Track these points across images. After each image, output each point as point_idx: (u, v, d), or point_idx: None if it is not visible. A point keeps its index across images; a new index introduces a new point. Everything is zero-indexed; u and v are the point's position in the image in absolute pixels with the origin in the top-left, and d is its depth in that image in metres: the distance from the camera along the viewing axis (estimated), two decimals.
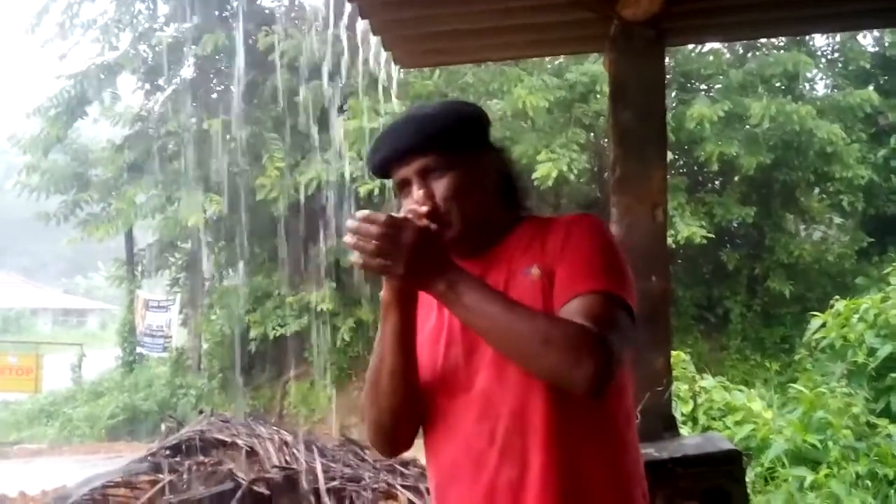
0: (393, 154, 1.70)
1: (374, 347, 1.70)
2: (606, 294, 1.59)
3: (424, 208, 1.60)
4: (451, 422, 1.69)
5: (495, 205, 1.75)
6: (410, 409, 1.71)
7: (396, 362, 1.66)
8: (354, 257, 1.51)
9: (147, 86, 17.63)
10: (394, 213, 1.53)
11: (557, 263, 1.65)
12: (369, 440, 1.82)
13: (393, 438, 1.77)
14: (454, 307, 1.56)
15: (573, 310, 1.56)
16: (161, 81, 17.55)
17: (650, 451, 2.46)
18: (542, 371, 1.55)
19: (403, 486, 7.64)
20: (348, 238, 1.50)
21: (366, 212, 1.52)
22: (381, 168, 1.74)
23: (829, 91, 14.14)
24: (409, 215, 1.57)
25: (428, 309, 1.73)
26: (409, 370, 1.68)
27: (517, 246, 1.73)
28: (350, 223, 1.50)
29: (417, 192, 1.68)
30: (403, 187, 1.72)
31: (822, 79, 14.45)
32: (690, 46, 13.12)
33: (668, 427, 2.60)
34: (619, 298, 1.61)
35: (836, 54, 14.14)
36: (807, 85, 13.96)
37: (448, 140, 1.70)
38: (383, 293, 1.63)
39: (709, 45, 14.01)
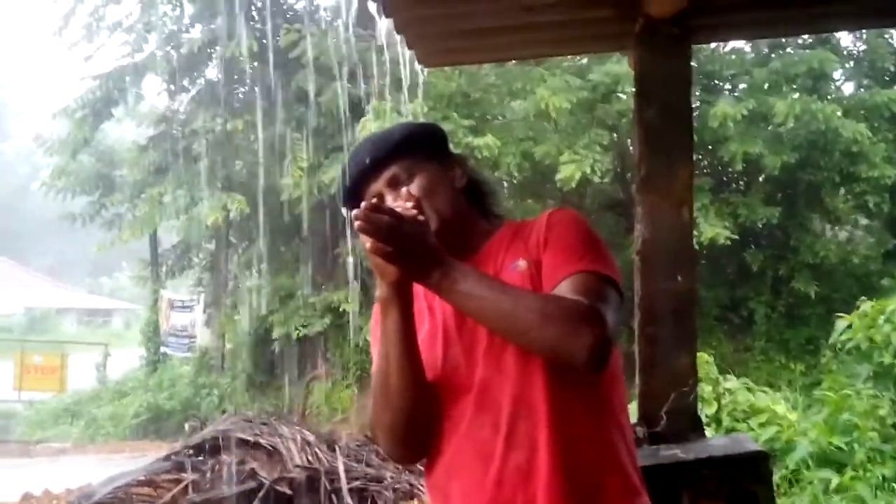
0: (361, 171, 1.77)
1: (378, 352, 1.70)
2: (593, 272, 1.65)
3: (410, 204, 1.64)
4: (453, 422, 1.70)
5: (466, 205, 1.83)
6: (423, 407, 1.70)
7: (403, 358, 1.66)
8: (367, 243, 1.54)
9: (172, 87, 17.73)
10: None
11: (542, 253, 1.71)
12: (386, 451, 1.83)
13: (411, 442, 1.76)
14: (450, 295, 1.59)
15: (563, 290, 1.62)
16: (185, 83, 17.65)
17: (676, 451, 2.43)
18: (543, 346, 1.58)
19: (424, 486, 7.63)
20: (357, 223, 1.52)
21: (373, 201, 1.56)
22: (354, 194, 1.80)
23: (854, 90, 14.01)
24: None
25: (420, 316, 1.73)
26: (416, 365, 1.68)
27: (500, 246, 1.78)
28: (356, 212, 1.52)
29: (390, 199, 1.74)
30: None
31: (847, 78, 14.32)
32: (714, 45, 13.05)
33: (693, 428, 2.58)
34: (605, 276, 1.66)
35: (862, 53, 13.99)
36: (832, 84, 13.82)
37: (410, 147, 1.79)
38: (379, 292, 1.65)
39: (732, 45, 13.94)
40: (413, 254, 1.54)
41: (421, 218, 1.58)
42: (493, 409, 1.65)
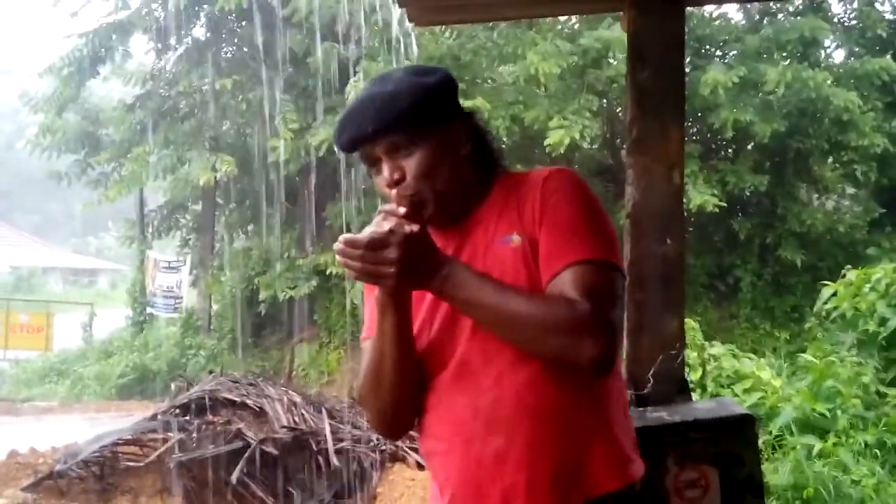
0: (358, 135, 1.67)
1: (372, 343, 1.68)
2: (597, 262, 1.60)
3: (402, 209, 1.54)
4: (437, 395, 1.69)
5: (468, 174, 1.73)
6: (414, 396, 1.70)
7: (399, 356, 1.64)
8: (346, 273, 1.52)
9: (159, 45, 17.55)
10: (375, 230, 1.51)
11: (538, 228, 1.64)
12: (373, 427, 1.83)
13: (399, 425, 1.78)
14: (450, 302, 1.59)
15: (566, 282, 1.57)
16: (173, 41, 17.48)
17: (662, 414, 2.44)
18: (547, 354, 1.57)
19: (411, 449, 7.69)
20: (338, 257, 1.50)
21: (348, 235, 1.51)
22: (349, 147, 1.71)
23: (846, 58, 13.97)
24: (390, 221, 1.52)
25: None
26: (411, 361, 1.67)
27: (491, 211, 1.71)
28: (336, 246, 1.50)
29: (387, 172, 1.66)
30: (373, 163, 1.70)
31: (839, 46, 14.26)
32: (707, 10, 12.98)
33: (680, 391, 2.59)
34: (610, 263, 1.61)
35: (854, 21, 13.95)
36: (823, 52, 13.78)
37: (414, 117, 1.66)
38: (377, 294, 1.62)
39: (725, 10, 13.88)
40: (402, 273, 1.50)
41: (408, 229, 1.51)
42: (473, 391, 1.63)
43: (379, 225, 1.52)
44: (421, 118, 1.66)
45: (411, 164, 1.65)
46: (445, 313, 1.67)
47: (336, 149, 1.81)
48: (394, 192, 1.64)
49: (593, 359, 1.53)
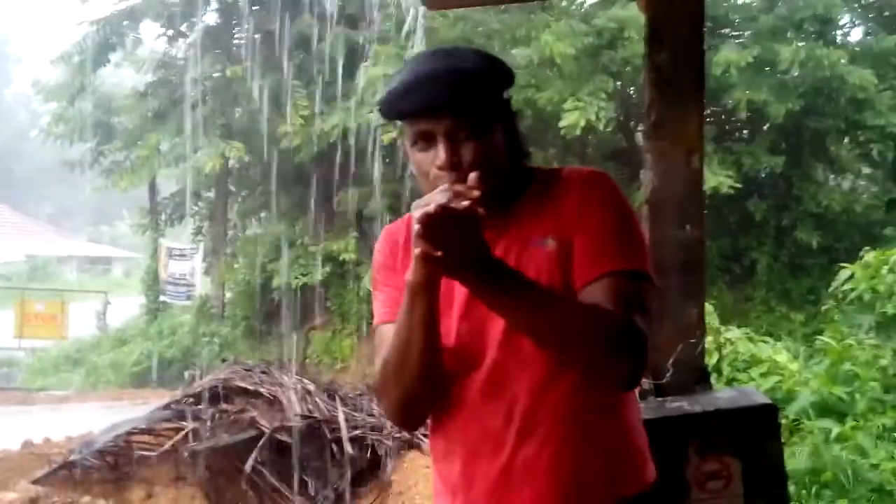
0: (429, 104, 1.57)
1: (397, 331, 1.60)
2: (633, 273, 1.59)
3: (476, 192, 1.43)
4: (459, 398, 1.65)
5: (511, 171, 1.67)
6: (436, 388, 1.66)
7: (426, 346, 1.58)
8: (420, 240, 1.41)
9: (170, 32, 17.54)
10: (444, 203, 1.40)
11: (575, 233, 1.61)
12: (389, 416, 1.78)
13: (417, 416, 1.74)
14: (491, 297, 1.50)
15: (601, 291, 1.55)
16: (184, 28, 17.46)
17: (682, 404, 2.40)
18: (580, 364, 1.57)
19: (425, 436, 7.65)
20: (420, 228, 1.39)
21: (441, 204, 1.39)
22: (408, 114, 1.62)
23: (862, 37, 13.83)
24: (458, 201, 1.41)
25: None
26: (437, 352, 1.62)
27: (528, 211, 1.67)
28: (421, 216, 1.38)
29: (444, 152, 1.57)
30: (424, 139, 1.61)
31: (855, 24, 14.12)
32: None
33: (700, 380, 2.54)
34: (643, 274, 1.61)
35: None
36: (839, 30, 13.65)
37: (490, 102, 1.61)
38: (412, 277, 1.52)
39: None
40: (462, 256, 1.42)
41: (481, 212, 1.41)
42: (507, 398, 1.61)
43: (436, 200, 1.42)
44: (495, 105, 1.63)
45: (469, 152, 1.58)
46: (475, 315, 1.63)
47: (379, 111, 1.70)
48: (441, 173, 1.57)
49: (629, 371, 1.55)
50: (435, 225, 1.37)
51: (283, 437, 7.71)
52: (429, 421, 1.75)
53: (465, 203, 1.40)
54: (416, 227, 1.39)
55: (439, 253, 1.39)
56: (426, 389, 1.64)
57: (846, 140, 13.16)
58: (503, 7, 12.24)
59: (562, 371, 1.58)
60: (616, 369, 1.54)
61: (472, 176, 1.46)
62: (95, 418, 10.11)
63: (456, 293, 1.63)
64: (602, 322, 1.51)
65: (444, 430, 1.70)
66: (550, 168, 1.76)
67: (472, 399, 1.63)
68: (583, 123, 11.43)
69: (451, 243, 1.39)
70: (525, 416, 1.59)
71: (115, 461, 7.76)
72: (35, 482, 7.50)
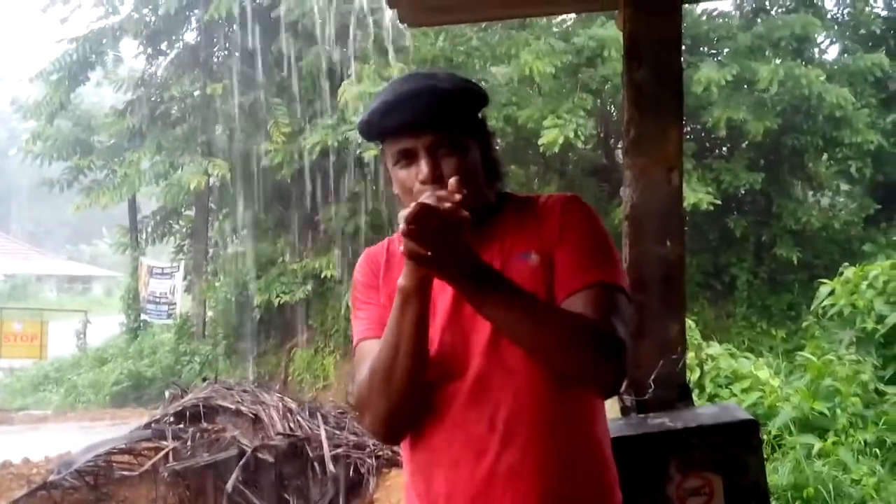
0: (410, 121, 1.64)
1: (385, 339, 1.62)
2: (609, 285, 1.65)
3: (458, 196, 1.47)
4: (442, 406, 1.66)
5: (488, 189, 1.75)
6: (421, 398, 1.67)
7: (415, 352, 1.60)
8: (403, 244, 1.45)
9: (150, 50, 17.49)
10: (428, 202, 1.44)
11: (556, 249, 1.68)
12: (371, 430, 1.76)
13: (401, 428, 1.73)
14: (480, 302, 1.54)
15: (582, 301, 1.61)
16: (164, 46, 17.42)
17: (664, 420, 2.40)
18: (564, 369, 1.60)
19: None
20: (406, 227, 1.42)
21: (424, 201, 1.45)
22: (390, 132, 1.68)
23: (839, 55, 13.95)
24: (444, 202, 1.46)
25: None
26: (425, 360, 1.63)
27: (508, 227, 1.73)
28: (406, 215, 1.42)
29: (426, 167, 1.64)
30: (405, 157, 1.67)
31: (832, 42, 14.24)
32: (698, 9, 12.95)
33: (682, 396, 2.54)
34: (618, 287, 1.67)
35: (847, 17, 13.93)
36: (816, 49, 13.76)
37: (462, 120, 1.69)
38: (404, 281, 1.56)
39: (718, 8, 13.85)
40: (448, 254, 1.45)
41: (465, 214, 1.46)
42: (490, 406, 1.63)
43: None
44: (472, 123, 1.73)
45: (448, 166, 1.65)
46: (459, 326, 1.66)
47: (360, 131, 1.75)
48: (424, 188, 1.62)
49: (609, 381, 1.61)
50: (421, 222, 1.41)
51: (265, 456, 7.68)
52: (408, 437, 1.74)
53: (449, 205, 1.44)
54: (402, 226, 1.42)
55: (426, 251, 1.43)
56: (412, 399, 1.64)
57: (824, 157, 13.23)
58: (483, 25, 12.28)
59: (545, 379, 1.61)
60: (601, 373, 1.58)
61: (453, 181, 1.49)
62: (75, 438, 10.02)
63: (439, 304, 1.66)
64: (586, 327, 1.56)
65: (425, 442, 1.69)
66: (526, 195, 1.82)
67: (456, 409, 1.65)
68: (561, 140, 11.44)
69: (437, 241, 1.42)
70: (508, 423, 1.61)
71: (95, 481, 7.71)
72: (14, 503, 7.42)
